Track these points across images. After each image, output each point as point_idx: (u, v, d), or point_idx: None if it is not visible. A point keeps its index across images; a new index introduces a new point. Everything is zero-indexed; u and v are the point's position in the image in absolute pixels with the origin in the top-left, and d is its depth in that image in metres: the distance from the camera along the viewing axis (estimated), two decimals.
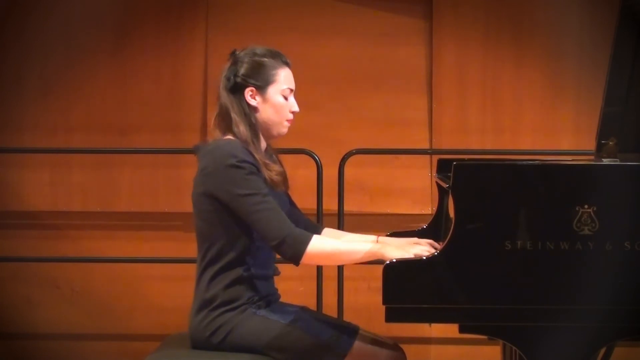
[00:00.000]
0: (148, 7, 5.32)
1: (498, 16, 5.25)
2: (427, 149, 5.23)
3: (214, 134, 3.10)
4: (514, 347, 2.94)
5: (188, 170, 5.23)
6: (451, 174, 2.81)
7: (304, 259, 2.90)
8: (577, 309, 2.80)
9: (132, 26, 5.32)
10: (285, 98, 3.11)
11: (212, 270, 3.01)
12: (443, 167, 3.55)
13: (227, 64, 3.12)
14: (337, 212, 4.90)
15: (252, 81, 3.07)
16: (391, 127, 5.24)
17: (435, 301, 2.81)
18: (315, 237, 2.92)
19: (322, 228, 3.32)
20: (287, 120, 3.13)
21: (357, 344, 3.02)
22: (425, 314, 2.84)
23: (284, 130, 3.14)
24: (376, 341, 3.09)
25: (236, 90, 3.07)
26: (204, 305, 3.01)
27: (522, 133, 5.26)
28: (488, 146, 5.23)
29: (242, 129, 3.03)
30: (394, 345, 3.13)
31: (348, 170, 4.94)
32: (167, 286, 5.27)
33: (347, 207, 4.96)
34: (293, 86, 3.14)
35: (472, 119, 5.27)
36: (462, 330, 2.87)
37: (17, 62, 5.32)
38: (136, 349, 5.20)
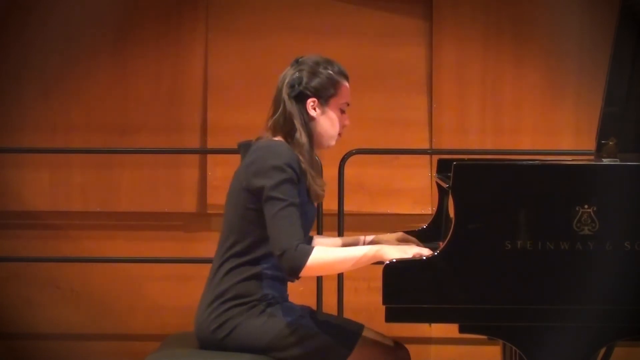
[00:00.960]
0: (148, 7, 5.32)
1: (498, 16, 5.25)
2: (427, 149, 5.23)
3: (266, 135, 3.10)
4: (514, 347, 2.94)
5: (188, 170, 5.30)
6: (451, 174, 2.81)
7: (304, 272, 2.90)
8: (577, 309, 2.80)
9: (132, 26, 5.32)
10: (342, 112, 3.14)
11: (233, 264, 3.02)
12: (443, 167, 3.55)
13: (289, 70, 3.12)
14: (337, 212, 4.90)
15: (316, 92, 3.08)
16: (391, 127, 5.24)
17: (435, 301, 2.81)
18: (315, 251, 2.90)
19: (313, 238, 3.34)
20: (339, 134, 3.16)
21: (361, 343, 3.03)
22: (425, 314, 2.84)
23: (334, 143, 3.17)
24: (380, 340, 3.10)
25: (298, 98, 3.08)
26: (216, 298, 3.01)
27: (522, 133, 5.25)
28: (488, 146, 5.23)
29: (303, 138, 3.05)
30: (398, 345, 3.13)
31: (348, 170, 4.94)
32: (167, 286, 5.27)
33: (347, 207, 4.96)
34: (350, 100, 3.16)
35: (472, 119, 5.26)
36: (462, 330, 2.87)
37: (17, 62, 5.33)
38: (136, 349, 5.20)
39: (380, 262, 2.88)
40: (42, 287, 5.32)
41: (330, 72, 3.09)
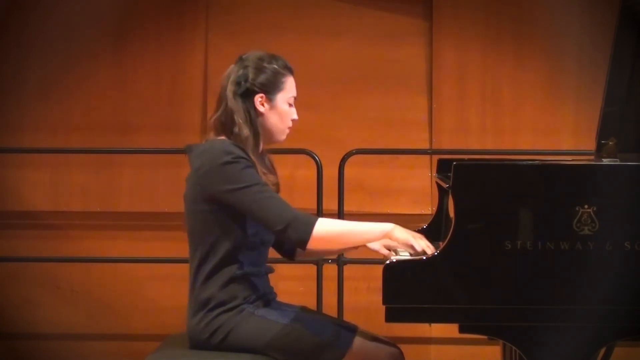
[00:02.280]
0: (148, 7, 5.32)
1: (498, 16, 5.25)
2: (427, 149, 5.23)
3: (210, 134, 3.11)
4: (514, 347, 2.95)
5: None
6: (451, 174, 2.81)
7: (311, 242, 2.88)
8: (577, 309, 2.80)
9: (132, 26, 5.32)
10: (290, 105, 3.13)
11: (205, 270, 3.01)
12: (443, 167, 3.55)
13: (234, 68, 3.11)
14: (337, 212, 4.90)
15: (263, 88, 3.07)
16: (391, 127, 5.24)
17: (435, 301, 2.81)
18: (321, 219, 2.92)
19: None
20: (288, 128, 3.15)
21: (356, 343, 3.03)
22: (425, 314, 2.84)
23: (284, 137, 3.16)
24: (374, 340, 3.10)
25: (245, 95, 3.07)
26: (200, 307, 3.01)
27: (522, 133, 5.26)
28: (488, 146, 5.23)
29: (244, 132, 3.03)
30: (392, 345, 3.13)
31: (348, 170, 4.94)
32: (167, 286, 5.27)
33: (347, 207, 4.96)
34: (296, 94, 3.16)
35: (472, 119, 5.26)
36: (462, 330, 2.87)
37: (17, 62, 5.33)
38: (136, 349, 5.20)
39: (380, 262, 2.88)
40: (42, 287, 5.32)
41: (276, 66, 3.09)
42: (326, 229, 2.91)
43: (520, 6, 5.25)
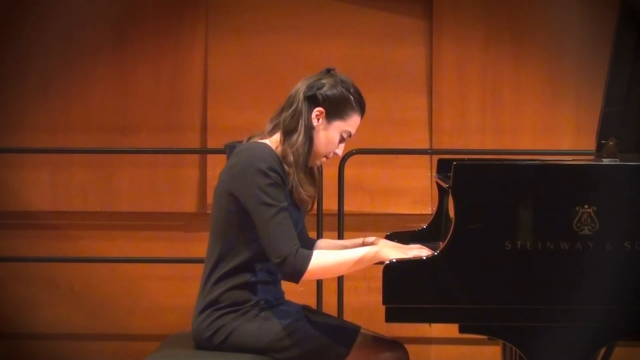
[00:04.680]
0: (148, 7, 5.32)
1: (498, 16, 5.25)
2: (427, 149, 5.23)
3: (267, 126, 3.07)
4: (514, 347, 2.94)
5: (188, 170, 5.29)
6: (451, 174, 2.81)
7: (305, 277, 2.89)
8: (577, 309, 2.80)
9: (132, 26, 5.32)
10: (341, 140, 3.10)
11: (221, 271, 3.01)
12: (443, 167, 3.55)
13: (316, 74, 3.10)
14: (337, 212, 4.90)
15: (327, 103, 3.04)
16: (391, 127, 5.24)
17: (435, 301, 2.81)
18: (315, 255, 2.90)
19: (316, 241, 3.32)
20: (326, 157, 3.12)
21: (359, 343, 3.03)
22: (425, 314, 2.84)
23: (318, 164, 3.13)
24: (378, 340, 3.10)
25: (309, 102, 3.05)
26: (208, 305, 3.01)
27: (522, 133, 5.25)
28: (488, 146, 5.23)
29: (300, 139, 3.01)
30: (396, 344, 3.13)
31: (348, 170, 4.94)
32: (167, 286, 5.27)
33: (347, 207, 4.96)
34: (353, 134, 3.12)
35: (472, 119, 5.26)
36: (462, 330, 2.87)
37: (17, 62, 5.32)
38: (136, 349, 5.20)
39: (380, 262, 2.88)
40: (42, 287, 5.32)
41: (351, 95, 3.07)
42: (319, 265, 2.89)
43: (520, 6, 5.25)
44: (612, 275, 2.78)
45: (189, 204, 5.30)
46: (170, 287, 5.26)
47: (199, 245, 5.19)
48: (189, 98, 5.31)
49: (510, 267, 2.79)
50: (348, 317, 4.49)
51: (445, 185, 3.33)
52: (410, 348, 3.21)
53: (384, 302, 2.82)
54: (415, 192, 5.23)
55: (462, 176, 2.82)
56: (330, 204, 4.89)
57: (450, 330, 3.09)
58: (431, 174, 5.18)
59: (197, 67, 5.31)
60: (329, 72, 3.10)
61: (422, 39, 5.27)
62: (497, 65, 5.25)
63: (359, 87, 3.15)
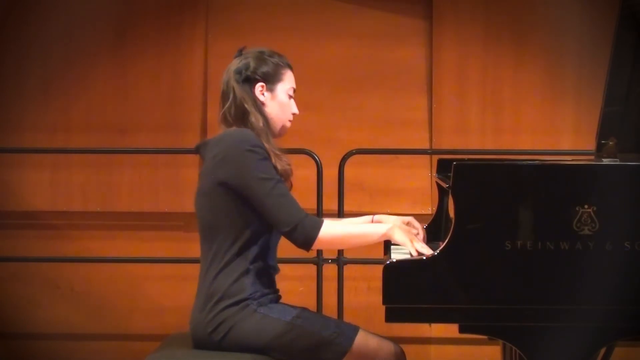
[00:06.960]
0: (148, 7, 5.32)
1: (498, 16, 5.25)
2: (427, 149, 5.23)
3: (221, 128, 3.12)
4: (514, 347, 2.94)
5: (188, 170, 5.29)
6: (451, 174, 2.81)
7: (316, 244, 2.96)
8: (577, 309, 2.80)
9: (132, 26, 5.32)
10: (290, 97, 3.18)
11: (220, 264, 3.02)
12: (443, 167, 3.56)
13: (234, 61, 3.17)
14: (337, 212, 4.90)
15: (263, 77, 3.13)
16: (391, 127, 5.24)
17: (435, 301, 2.81)
18: (326, 223, 2.97)
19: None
20: (289, 121, 3.19)
21: (357, 342, 3.02)
22: (425, 314, 2.84)
23: (285, 131, 3.20)
24: (376, 340, 3.09)
25: (247, 84, 3.12)
26: (208, 299, 3.02)
27: (522, 133, 5.25)
28: (488, 146, 5.23)
29: (258, 119, 3.08)
30: (394, 344, 3.13)
31: (348, 170, 4.94)
32: (167, 286, 5.28)
33: (347, 207, 4.96)
34: (295, 87, 3.21)
35: (472, 119, 5.27)
36: (462, 330, 2.87)
37: (17, 62, 5.33)
38: (136, 349, 5.20)
39: (380, 262, 2.88)
40: (42, 287, 5.32)
41: (276, 59, 3.17)
42: (330, 233, 2.97)
43: (520, 6, 5.25)
44: (612, 275, 2.78)
45: (189, 204, 5.24)
46: (170, 287, 5.26)
47: (199, 245, 5.22)
48: (189, 98, 5.31)
49: (510, 267, 2.79)
50: (348, 317, 4.49)
51: (445, 185, 3.33)
52: (410, 348, 3.22)
53: (384, 302, 2.82)
54: (415, 192, 5.23)
55: (462, 176, 2.82)
56: (330, 204, 4.89)
57: (450, 330, 3.09)
58: (431, 174, 5.18)
59: (197, 67, 5.31)
60: (241, 52, 3.20)
61: (422, 39, 5.27)
62: (497, 65, 5.25)
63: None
